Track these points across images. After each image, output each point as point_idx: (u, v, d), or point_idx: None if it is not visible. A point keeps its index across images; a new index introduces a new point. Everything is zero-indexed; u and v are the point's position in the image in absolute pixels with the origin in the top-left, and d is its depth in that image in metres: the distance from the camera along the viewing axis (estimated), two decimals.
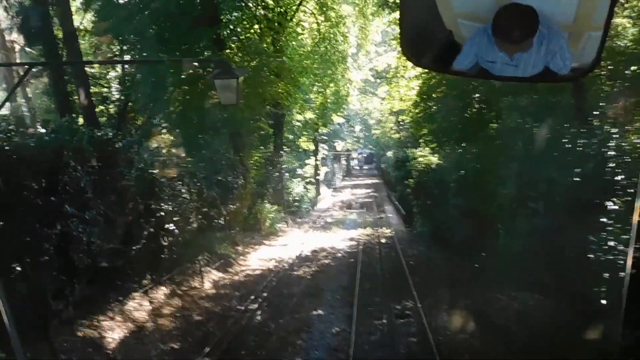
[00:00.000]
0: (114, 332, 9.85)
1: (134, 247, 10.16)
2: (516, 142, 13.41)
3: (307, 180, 43.37)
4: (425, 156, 26.59)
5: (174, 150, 15.56)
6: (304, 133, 39.47)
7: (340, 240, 22.23)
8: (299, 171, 43.22)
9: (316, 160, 42.00)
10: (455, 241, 16.61)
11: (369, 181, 63.50)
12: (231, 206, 17.29)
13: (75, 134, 8.36)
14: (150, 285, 11.82)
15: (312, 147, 40.79)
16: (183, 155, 15.99)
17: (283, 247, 20.46)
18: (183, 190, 12.70)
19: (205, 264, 15.16)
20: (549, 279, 11.16)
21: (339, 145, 36.53)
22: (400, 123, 44.42)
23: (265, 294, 13.29)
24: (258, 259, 18.13)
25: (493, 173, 14.30)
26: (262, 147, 23.70)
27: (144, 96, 17.63)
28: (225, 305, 12.49)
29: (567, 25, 1.29)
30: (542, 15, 1.26)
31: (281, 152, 27.57)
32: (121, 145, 10.08)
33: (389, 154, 52.62)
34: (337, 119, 40.06)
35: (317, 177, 42.58)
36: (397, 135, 46.68)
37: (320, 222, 28.54)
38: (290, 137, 31.52)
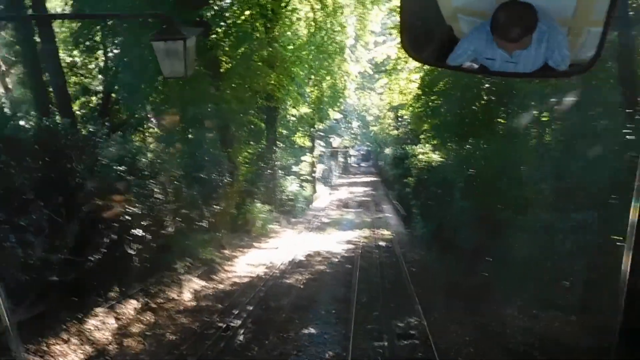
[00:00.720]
0: (66, 358, 8.30)
1: (92, 257, 8.58)
2: (535, 137, 11.99)
3: (303, 177, 41.83)
4: (426, 153, 25.13)
5: (152, 145, 13.96)
6: (300, 129, 37.90)
7: (336, 242, 20.69)
8: (294, 168, 41.69)
9: (312, 157, 40.41)
10: (460, 246, 15.15)
11: (367, 179, 62.05)
12: (216, 206, 15.71)
13: (7, 122, 6.77)
14: (117, 299, 10.26)
15: (308, 143, 39.21)
16: (160, 150, 14.39)
17: (274, 250, 18.91)
18: (157, 190, 11.10)
19: (187, 271, 13.60)
20: (575, 295, 9.68)
21: (335, 142, 34.88)
22: (399, 119, 42.88)
23: (250, 308, 11.73)
24: (246, 264, 16.57)
25: (508, 172, 12.81)
26: (252, 143, 22.10)
27: (126, 87, 16.03)
28: (205, 320, 10.92)
29: (566, 21, 1.28)
30: (542, 11, 1.24)
31: (274, 148, 26.00)
32: (78, 136, 8.48)
33: (387, 151, 51.08)
34: (334, 114, 38.51)
35: (314, 175, 41.02)
36: (395, 132, 45.14)
37: (315, 222, 26.99)
38: (285, 132, 29.90)
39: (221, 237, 17.22)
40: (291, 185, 27.79)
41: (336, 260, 17.34)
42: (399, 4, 1.37)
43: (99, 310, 9.64)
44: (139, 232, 9.87)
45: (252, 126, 21.43)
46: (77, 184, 8.06)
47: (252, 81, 19.54)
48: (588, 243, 9.84)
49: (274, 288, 13.70)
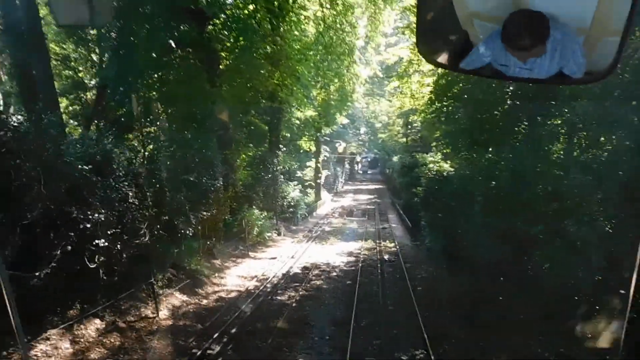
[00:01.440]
0: None
1: (40, 272, 7.15)
2: (572, 146, 10.48)
3: (307, 183, 40.39)
4: (437, 162, 23.65)
5: (135, 143, 12.58)
6: (306, 133, 36.53)
7: (337, 254, 19.17)
8: (298, 173, 40.28)
9: (317, 162, 38.95)
10: (475, 264, 13.68)
11: (373, 186, 60.49)
12: (208, 212, 14.27)
13: None
14: (77, 318, 8.82)
15: (313, 148, 37.80)
16: (147, 150, 12.99)
17: (270, 260, 17.43)
18: (131, 193, 9.67)
19: (167, 284, 12.16)
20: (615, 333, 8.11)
21: (340, 147, 33.15)
22: (409, 126, 41.42)
23: (234, 330, 10.24)
24: (238, 275, 15.11)
25: (534, 184, 11.28)
26: (252, 145, 20.69)
27: (118, 81, 14.71)
28: (180, 344, 9.46)
29: (583, 30, 1.28)
30: (557, 20, 1.24)
31: (277, 151, 24.56)
32: (30, 131, 7.07)
33: (395, 158, 49.53)
34: (341, 119, 37.09)
35: (318, 181, 39.55)
36: (404, 140, 43.64)
37: (317, 230, 25.49)
38: (288, 135, 28.50)
39: (212, 246, 15.80)
40: (293, 191, 26.35)
41: (335, 274, 15.83)
42: (414, 5, 0.96)
43: (52, 332, 8.21)
44: (103, 241, 8.43)
45: (252, 127, 20.04)
46: (22, 186, 6.65)
47: (254, 79, 18.17)
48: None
49: (265, 305, 12.21)
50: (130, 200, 9.54)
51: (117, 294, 9.96)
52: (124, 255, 9.57)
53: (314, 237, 22.98)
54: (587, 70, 1.32)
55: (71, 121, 17.92)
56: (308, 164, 40.23)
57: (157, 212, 11.25)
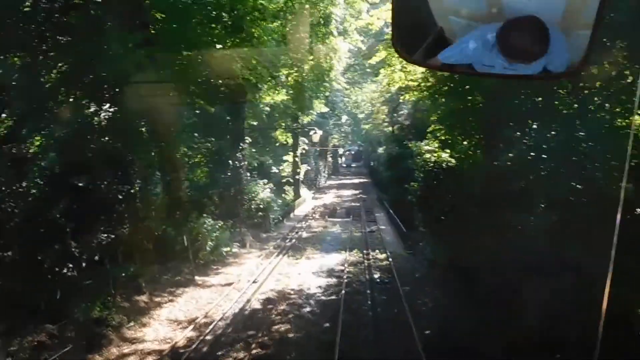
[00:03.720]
0: None
1: None
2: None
3: (284, 180, 35.66)
4: (434, 151, 19.17)
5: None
6: (282, 124, 31.76)
7: (313, 274, 14.55)
8: (274, 169, 35.51)
9: (294, 156, 34.23)
10: (502, 290, 9.49)
11: (357, 180, 56.04)
12: (116, 230, 9.53)
13: None
14: None
15: (290, 140, 33.10)
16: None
17: (223, 289, 12.75)
18: None
19: (35, 349, 7.47)
20: None
21: (316, 136, 27.64)
22: (395, 114, 36.95)
23: None
24: (169, 320, 10.40)
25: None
26: (198, 136, 15.91)
27: None
28: None
29: (554, 23, 1.25)
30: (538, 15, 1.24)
31: (241, 144, 19.81)
32: None
33: (381, 150, 44.98)
34: (319, 106, 32.40)
35: (297, 177, 34.86)
36: (390, 129, 39.19)
37: (292, 238, 20.84)
38: (255, 124, 23.80)
39: (135, 275, 11.06)
40: (263, 192, 21.66)
41: (309, 311, 11.18)
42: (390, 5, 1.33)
43: None
44: None
45: (198, 111, 15.25)
46: None
47: (195, 48, 13.39)
48: None
49: None
50: None
51: None
52: None
53: (287, 248, 18.32)
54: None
55: None
56: (285, 158, 35.51)
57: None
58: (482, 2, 1.26)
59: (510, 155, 10.97)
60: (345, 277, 14.03)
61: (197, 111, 14.91)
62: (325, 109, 33.78)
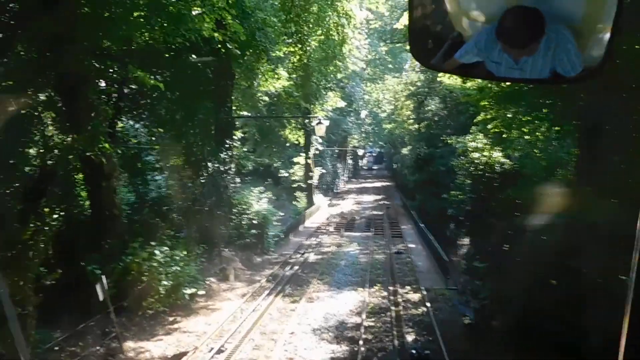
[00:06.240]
0: None
1: None
2: None
3: (295, 185, 30.58)
4: (483, 150, 14.15)
5: None
6: (293, 124, 26.61)
7: (313, 336, 9.34)
8: (282, 172, 30.46)
9: (307, 158, 29.12)
10: None
11: (379, 184, 50.76)
12: None
13: None
14: None
15: (301, 139, 27.96)
16: None
17: None
18: None
19: None
20: None
21: (321, 129, 21.68)
22: (421, 110, 31.47)
23: None
24: None
25: None
26: (146, 126, 10.94)
27: None
28: None
29: (574, 26, 1.20)
30: (549, 17, 1.18)
31: (226, 141, 14.79)
32: None
33: (405, 151, 39.44)
34: (334, 100, 27.21)
35: (310, 181, 29.75)
36: (416, 126, 33.72)
37: (294, 263, 15.71)
38: (247, 114, 18.80)
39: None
40: (258, 203, 16.59)
41: None
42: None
43: None
44: None
45: (156, 92, 10.29)
46: None
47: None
48: None
49: None
50: None
51: None
52: None
53: (284, 281, 13.18)
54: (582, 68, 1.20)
55: None
56: (295, 160, 30.46)
57: None
58: (500, 7, 1.16)
59: None
60: (361, 341, 8.81)
61: (134, 87, 9.91)
62: (342, 103, 28.57)
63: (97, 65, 8.13)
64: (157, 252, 10.03)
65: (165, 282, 10.05)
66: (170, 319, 10.09)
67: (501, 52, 1.20)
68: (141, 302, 9.54)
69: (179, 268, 10.57)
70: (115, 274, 9.14)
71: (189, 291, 10.66)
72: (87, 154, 8.17)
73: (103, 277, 7.89)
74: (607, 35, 1.19)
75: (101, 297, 7.70)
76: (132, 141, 12.20)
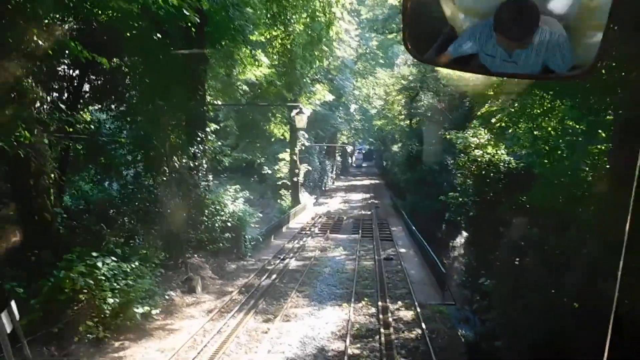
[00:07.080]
0: None
1: None
2: None
3: (280, 182, 28.84)
4: (484, 145, 12.70)
5: None
6: (279, 116, 24.85)
7: None
8: (266, 170, 28.71)
9: (292, 154, 27.40)
10: None
11: (368, 182, 49.22)
12: None
13: None
14: None
15: (287, 134, 26.25)
16: None
17: None
18: None
19: None
20: None
21: (301, 120, 19.55)
22: (413, 105, 29.85)
23: None
24: None
25: None
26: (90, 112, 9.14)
27: None
28: None
29: (568, 23, 1.21)
30: (544, 13, 1.18)
31: (198, 133, 13.04)
32: None
33: (395, 148, 37.92)
34: (322, 92, 25.50)
35: (295, 179, 28.03)
36: (407, 122, 32.20)
37: (273, 270, 14.02)
38: (218, 103, 16.99)
39: None
40: (233, 203, 14.85)
41: None
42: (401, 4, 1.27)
43: None
44: None
45: (102, 80, 8.50)
46: None
47: None
48: None
49: None
50: None
51: None
52: None
53: (259, 293, 11.50)
54: (573, 65, 1.21)
55: None
56: (281, 156, 28.72)
57: None
58: (495, 2, 1.17)
59: None
60: None
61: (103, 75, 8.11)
62: (330, 97, 26.86)
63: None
64: (99, 264, 8.27)
65: (110, 300, 8.30)
66: (117, 344, 8.34)
67: (495, 45, 1.19)
68: (78, 326, 7.80)
69: (129, 282, 8.83)
70: (43, 294, 7.40)
71: (141, 310, 8.91)
72: None
73: (12, 302, 6.11)
74: (600, 35, 1.16)
75: (8, 329, 5.93)
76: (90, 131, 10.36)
